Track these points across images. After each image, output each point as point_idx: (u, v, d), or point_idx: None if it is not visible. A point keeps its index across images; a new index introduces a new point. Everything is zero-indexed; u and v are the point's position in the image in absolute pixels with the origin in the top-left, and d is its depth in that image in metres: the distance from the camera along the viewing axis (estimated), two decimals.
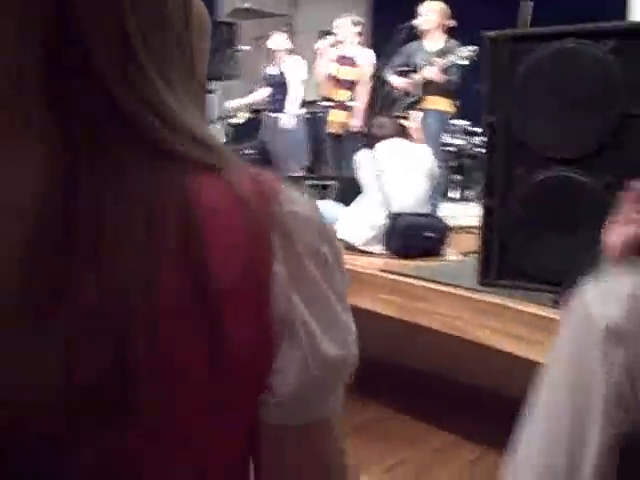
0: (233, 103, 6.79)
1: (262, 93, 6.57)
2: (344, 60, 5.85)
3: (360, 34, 5.94)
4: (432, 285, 2.91)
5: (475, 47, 4.88)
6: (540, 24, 2.97)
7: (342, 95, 5.78)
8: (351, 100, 5.75)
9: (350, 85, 5.79)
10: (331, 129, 5.76)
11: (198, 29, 0.64)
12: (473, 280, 2.78)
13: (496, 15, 6.66)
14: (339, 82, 5.83)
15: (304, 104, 7.76)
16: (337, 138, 5.85)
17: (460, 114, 6.32)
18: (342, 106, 5.76)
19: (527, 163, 2.79)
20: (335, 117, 5.75)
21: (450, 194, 6.36)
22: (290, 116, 6.25)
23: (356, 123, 5.67)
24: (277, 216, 0.56)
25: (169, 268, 0.51)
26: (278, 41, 6.38)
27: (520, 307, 2.49)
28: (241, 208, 0.55)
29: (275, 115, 6.29)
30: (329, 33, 6.14)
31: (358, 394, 3.04)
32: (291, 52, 6.46)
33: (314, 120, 7.01)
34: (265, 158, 5.95)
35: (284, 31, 6.64)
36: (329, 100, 5.89)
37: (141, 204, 0.52)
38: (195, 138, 0.56)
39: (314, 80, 6.35)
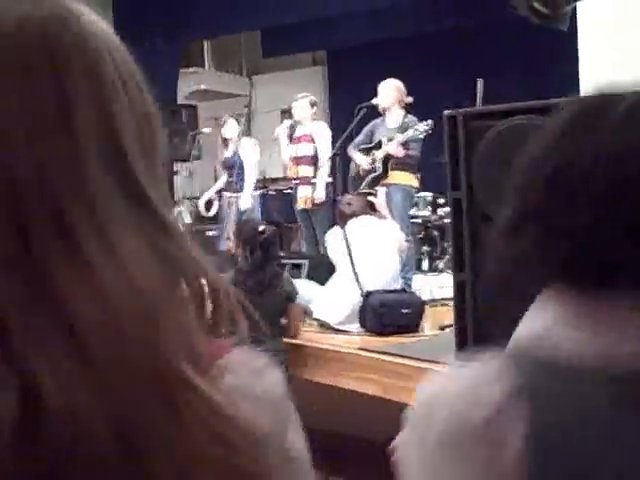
0: (205, 196, 6.96)
1: (224, 178, 6.75)
2: (303, 137, 6.00)
3: (315, 114, 6.11)
4: (410, 362, 2.93)
5: (430, 121, 5.04)
6: (502, 99, 3.10)
7: (305, 171, 5.90)
8: (314, 176, 5.87)
9: (310, 160, 5.91)
10: (300, 205, 5.85)
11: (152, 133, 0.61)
12: (452, 354, 2.81)
13: (453, 90, 6.93)
14: (300, 159, 5.96)
15: (269, 182, 7.88)
16: (305, 213, 5.94)
17: (424, 186, 6.48)
18: (306, 181, 5.87)
19: (493, 236, 2.85)
20: (302, 192, 5.85)
21: (421, 266, 6.45)
22: (247, 197, 6.40)
23: (320, 196, 5.76)
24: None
25: None
26: (231, 128, 6.59)
27: None
28: None
29: (231, 195, 6.43)
30: (289, 112, 6.30)
31: (343, 475, 3.01)
32: (244, 134, 6.68)
33: (281, 197, 7.12)
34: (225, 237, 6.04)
35: (237, 115, 6.83)
36: (295, 179, 6.01)
37: None
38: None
39: (280, 160, 6.47)
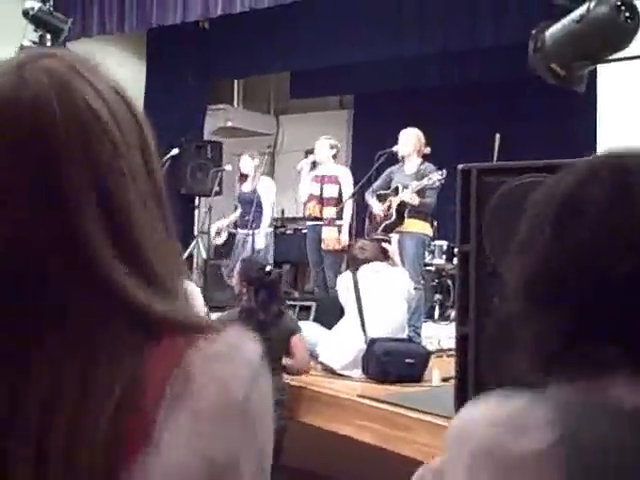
0: (217, 224, 6.97)
1: (237, 212, 6.81)
2: (328, 179, 6.05)
3: (335, 156, 6.18)
4: (411, 413, 2.92)
5: (444, 171, 5.08)
6: (519, 154, 3.13)
7: (330, 212, 5.92)
8: (339, 217, 5.91)
9: (335, 202, 5.95)
10: (327, 246, 5.85)
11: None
12: (452, 407, 2.79)
13: (472, 141, 6.98)
14: (323, 200, 5.99)
15: (287, 221, 7.93)
16: (318, 254, 5.97)
17: (441, 234, 6.49)
18: (332, 223, 5.90)
19: (500, 292, 2.85)
20: (327, 234, 5.85)
21: (433, 314, 6.44)
22: (262, 237, 6.43)
23: (346, 239, 5.81)
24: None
25: None
26: (247, 164, 6.65)
27: None
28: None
29: (245, 232, 6.43)
30: (312, 152, 6.38)
31: None
32: (262, 173, 6.75)
33: (298, 237, 7.14)
34: None
35: (263, 152, 6.91)
36: (315, 219, 6.01)
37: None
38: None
39: (298, 199, 6.53)
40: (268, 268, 3.70)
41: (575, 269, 0.73)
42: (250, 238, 6.30)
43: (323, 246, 5.86)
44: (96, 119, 0.61)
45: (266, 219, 6.48)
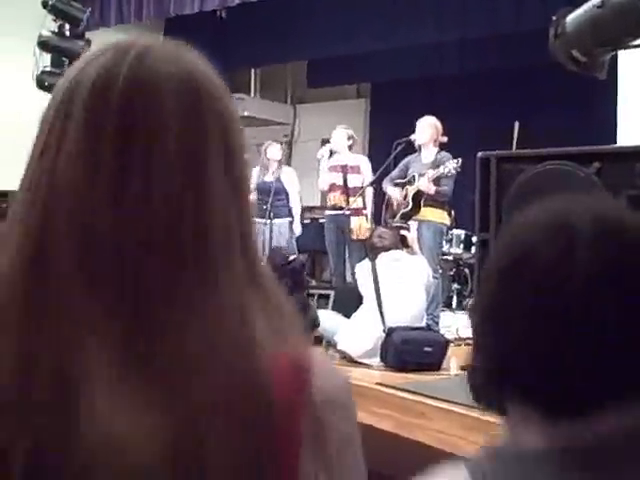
0: None
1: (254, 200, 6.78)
2: (351, 169, 6.01)
3: (351, 147, 6.16)
4: (429, 401, 2.92)
5: (459, 159, 5.06)
6: (538, 142, 3.12)
7: (356, 202, 5.89)
8: (364, 207, 5.91)
9: (359, 191, 5.92)
10: (355, 235, 5.82)
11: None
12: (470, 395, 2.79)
13: (491, 130, 6.93)
14: (349, 190, 5.95)
15: (305, 210, 7.92)
16: (337, 243, 5.95)
17: (458, 224, 6.46)
18: (359, 212, 5.88)
19: None
20: (355, 223, 5.83)
21: (451, 303, 6.42)
22: (298, 223, 6.53)
23: (369, 227, 5.82)
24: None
25: None
26: (274, 151, 6.63)
27: None
28: None
29: (262, 222, 6.34)
30: (329, 141, 6.35)
31: None
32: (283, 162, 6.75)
33: (316, 226, 7.14)
34: None
35: (281, 142, 6.90)
36: (339, 208, 5.98)
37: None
38: None
39: (319, 187, 6.50)
40: (291, 257, 3.73)
41: (502, 322, 0.79)
42: (269, 228, 6.27)
43: (353, 236, 5.83)
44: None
45: (297, 207, 6.57)
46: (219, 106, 0.68)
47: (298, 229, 6.50)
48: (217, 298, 0.62)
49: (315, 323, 3.68)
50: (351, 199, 5.89)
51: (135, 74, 0.64)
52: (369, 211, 5.92)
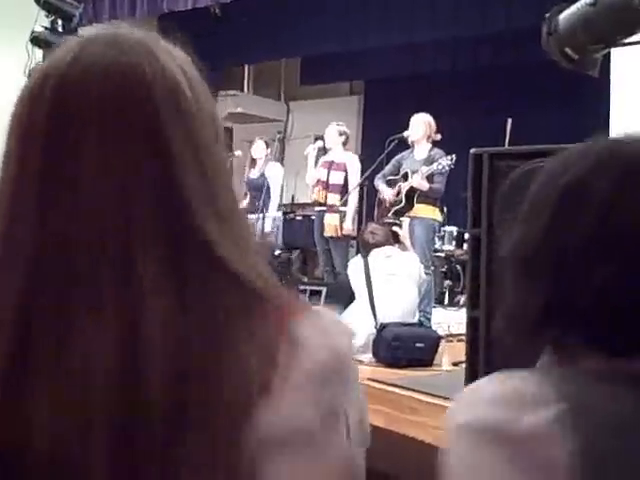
0: None
1: (247, 198, 6.83)
2: (336, 165, 6.05)
3: (344, 143, 6.18)
4: (421, 396, 2.92)
5: (453, 156, 5.07)
6: (532, 138, 3.13)
7: (333, 199, 5.95)
8: (344, 204, 5.92)
9: (340, 189, 5.97)
10: (327, 232, 5.88)
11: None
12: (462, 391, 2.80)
13: (484, 127, 6.95)
14: (331, 186, 6.01)
15: (297, 207, 7.92)
16: (324, 240, 5.98)
17: (451, 220, 6.48)
18: (335, 210, 5.92)
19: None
20: (329, 220, 5.89)
21: (443, 300, 6.44)
22: (270, 218, 6.47)
23: (349, 227, 5.83)
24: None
25: None
26: (259, 149, 6.67)
27: None
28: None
29: (255, 217, 6.44)
30: (322, 138, 6.38)
31: None
32: (273, 158, 6.76)
33: (307, 223, 7.15)
34: None
35: (272, 139, 6.92)
36: (321, 204, 6.05)
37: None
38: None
39: (306, 184, 6.54)
40: (277, 252, 3.71)
41: (567, 254, 0.76)
42: (257, 221, 6.32)
43: (325, 233, 5.88)
44: (180, 88, 0.68)
45: (274, 203, 6.53)
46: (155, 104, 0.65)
47: (268, 225, 6.45)
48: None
49: None
50: (330, 195, 5.93)
51: (65, 77, 0.64)
52: (352, 210, 5.91)
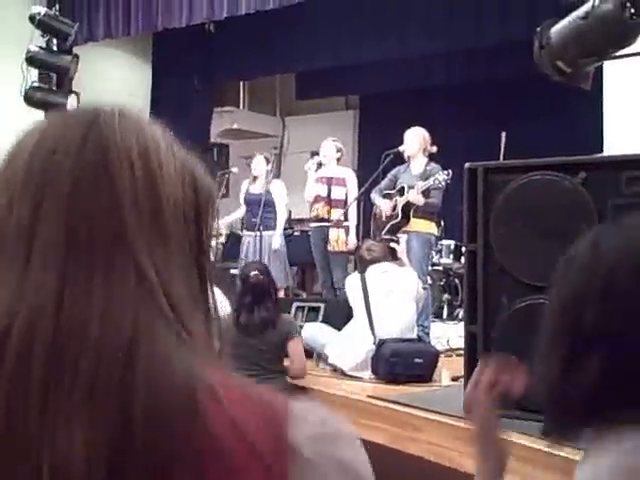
0: (220, 222, 6.93)
1: (240, 212, 6.76)
2: (336, 181, 6.05)
3: (339, 159, 6.18)
4: (421, 413, 2.91)
5: (449, 171, 5.07)
6: (526, 152, 3.13)
7: (337, 214, 5.93)
8: (345, 219, 5.92)
9: (343, 204, 5.96)
10: (333, 247, 5.86)
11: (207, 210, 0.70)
12: (462, 406, 2.79)
13: (478, 140, 6.96)
14: (332, 202, 5.99)
15: (295, 223, 7.91)
16: (324, 255, 5.97)
17: (448, 234, 6.47)
18: (340, 224, 5.90)
19: (507, 289, 2.85)
20: (334, 235, 5.86)
21: (442, 314, 6.43)
22: (278, 235, 6.43)
23: (354, 240, 5.83)
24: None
25: None
26: (259, 165, 6.63)
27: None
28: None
29: (253, 234, 6.39)
30: (318, 153, 6.38)
31: None
32: (272, 174, 6.73)
33: (305, 238, 7.15)
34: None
35: (269, 154, 6.89)
36: (322, 220, 6.01)
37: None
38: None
39: (303, 200, 6.52)
40: (252, 273, 3.73)
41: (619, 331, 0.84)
42: (258, 240, 6.28)
43: (329, 247, 5.86)
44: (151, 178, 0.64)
45: (281, 220, 6.50)
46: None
47: (277, 242, 6.42)
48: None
49: (291, 334, 3.69)
50: (333, 211, 5.93)
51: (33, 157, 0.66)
52: (353, 224, 5.92)
